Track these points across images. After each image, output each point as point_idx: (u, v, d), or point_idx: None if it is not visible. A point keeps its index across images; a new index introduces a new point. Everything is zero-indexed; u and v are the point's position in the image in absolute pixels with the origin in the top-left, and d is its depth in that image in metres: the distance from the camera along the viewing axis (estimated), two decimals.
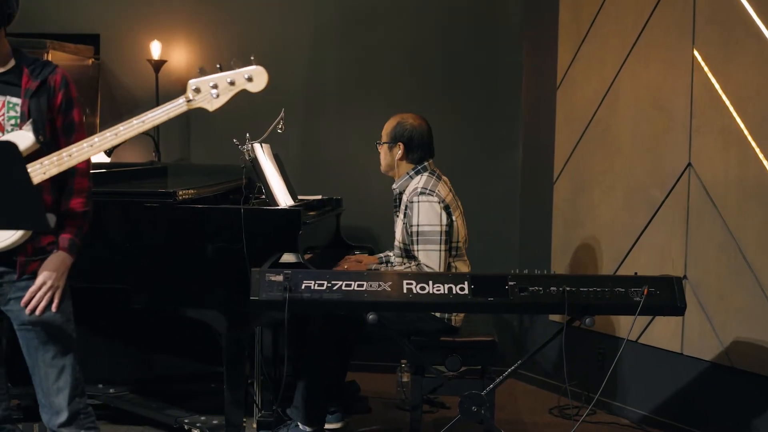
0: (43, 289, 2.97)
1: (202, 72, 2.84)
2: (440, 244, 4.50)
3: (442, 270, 4.49)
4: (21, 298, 2.98)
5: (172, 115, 2.88)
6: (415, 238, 4.53)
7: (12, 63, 3.06)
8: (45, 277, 2.98)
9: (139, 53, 6.72)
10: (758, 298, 4.59)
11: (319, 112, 6.65)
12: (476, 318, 4.91)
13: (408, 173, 4.74)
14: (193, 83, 2.84)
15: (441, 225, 4.51)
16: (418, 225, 4.52)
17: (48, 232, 2.96)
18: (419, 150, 4.73)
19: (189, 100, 2.83)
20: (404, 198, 4.66)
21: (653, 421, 5.25)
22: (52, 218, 2.94)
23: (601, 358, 5.60)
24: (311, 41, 6.66)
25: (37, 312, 2.97)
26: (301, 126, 6.55)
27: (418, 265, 4.50)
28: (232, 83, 2.81)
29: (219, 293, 4.28)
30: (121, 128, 2.86)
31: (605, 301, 3.87)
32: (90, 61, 6.66)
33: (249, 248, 4.21)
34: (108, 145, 2.86)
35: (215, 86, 2.81)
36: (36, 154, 2.91)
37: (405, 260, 4.62)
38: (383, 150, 4.80)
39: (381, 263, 4.86)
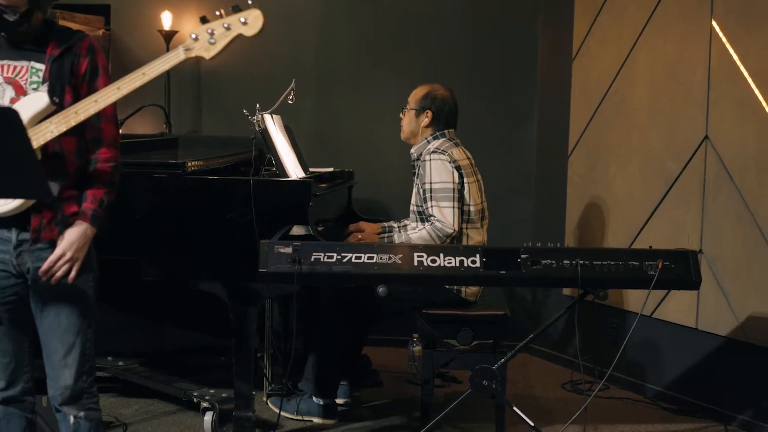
0: (62, 259, 2.92)
1: (203, 20, 2.80)
2: (453, 201, 4.52)
3: (456, 227, 4.49)
4: (38, 267, 2.95)
5: (171, 64, 2.82)
6: (428, 195, 4.54)
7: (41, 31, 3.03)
8: (64, 247, 2.93)
9: (149, 24, 6.67)
10: None
11: (332, 84, 6.60)
12: (489, 291, 4.88)
13: (427, 138, 4.76)
14: (193, 32, 2.80)
15: (453, 182, 4.53)
16: (430, 182, 4.54)
17: (52, 200, 2.91)
18: (445, 120, 4.78)
19: (187, 49, 2.79)
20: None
21: (667, 397, 5.21)
22: (54, 187, 2.89)
23: (615, 332, 5.56)
24: (324, 11, 6.59)
25: (53, 281, 2.93)
26: (313, 98, 6.50)
27: (432, 223, 4.47)
28: (228, 28, 2.76)
29: (228, 265, 4.26)
30: (123, 83, 2.82)
31: (619, 274, 3.85)
32: (101, 32, 6.61)
33: (259, 220, 4.18)
34: (111, 100, 2.83)
35: (212, 33, 2.76)
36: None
37: (419, 224, 4.59)
38: (409, 116, 4.81)
39: (383, 232, 4.80)
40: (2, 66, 2.97)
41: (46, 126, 2.83)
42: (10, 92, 2.95)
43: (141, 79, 2.81)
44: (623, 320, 5.51)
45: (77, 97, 2.98)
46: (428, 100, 4.77)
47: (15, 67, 2.97)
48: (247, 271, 4.06)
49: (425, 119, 4.76)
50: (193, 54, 2.79)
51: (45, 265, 2.92)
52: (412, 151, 4.83)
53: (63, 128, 2.82)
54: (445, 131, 4.77)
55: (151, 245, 4.33)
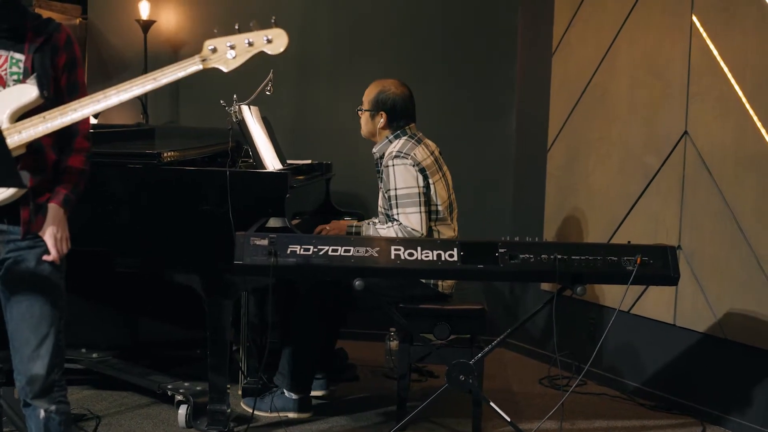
0: (57, 238, 2.97)
1: (220, 32, 2.78)
2: (419, 206, 4.46)
3: (423, 231, 4.46)
4: (19, 258, 2.95)
5: (185, 73, 2.82)
6: (393, 202, 4.49)
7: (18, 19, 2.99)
8: (53, 230, 2.96)
9: (127, 13, 6.61)
10: (753, 269, 4.52)
11: (311, 76, 6.55)
12: (467, 286, 4.85)
13: (387, 137, 4.70)
14: (209, 43, 2.78)
15: (418, 186, 4.47)
16: (395, 188, 4.48)
17: (24, 188, 2.88)
18: (401, 118, 4.69)
19: (204, 60, 2.77)
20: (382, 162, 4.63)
21: (644, 393, 5.20)
22: (25, 176, 2.87)
23: (592, 328, 5.55)
24: (304, 2, 6.55)
25: (56, 261, 2.98)
26: (292, 90, 6.46)
27: (400, 224, 4.44)
28: (250, 44, 2.76)
29: (203, 257, 4.23)
30: (135, 84, 2.81)
31: (597, 269, 3.83)
32: (77, 21, 6.57)
33: (235, 212, 4.16)
34: (114, 102, 2.82)
35: (233, 47, 2.76)
36: (38, 111, 2.85)
37: (388, 223, 4.56)
38: (364, 117, 4.76)
39: (350, 232, 4.73)
40: None
41: (38, 122, 2.81)
42: None
43: (153, 84, 2.82)
44: (601, 316, 5.49)
45: (57, 89, 2.98)
46: (380, 102, 4.68)
47: None
48: (223, 263, 4.03)
49: (380, 120, 4.68)
50: (209, 66, 2.81)
51: (52, 250, 2.96)
52: (374, 150, 4.77)
53: (58, 123, 2.83)
54: (405, 128, 4.68)
55: (126, 236, 4.30)
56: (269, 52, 2.78)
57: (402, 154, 4.51)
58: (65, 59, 3.01)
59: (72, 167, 3.05)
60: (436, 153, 4.72)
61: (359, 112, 4.79)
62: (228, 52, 2.75)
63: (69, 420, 3.11)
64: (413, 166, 4.49)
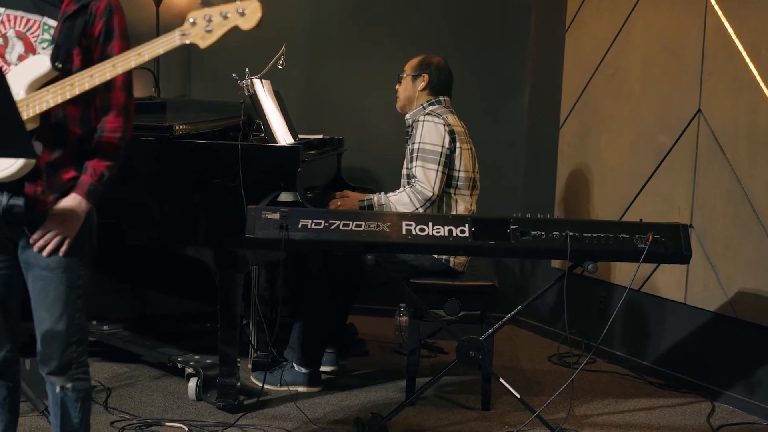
0: (53, 231, 2.85)
1: (204, 3, 2.68)
2: (439, 165, 4.50)
3: (436, 191, 4.48)
4: (30, 235, 2.87)
5: (166, 48, 2.66)
6: (415, 155, 4.54)
7: None
8: (56, 221, 2.85)
9: None
10: (765, 249, 4.50)
11: (323, 50, 6.54)
12: (479, 262, 4.85)
13: (422, 104, 4.76)
14: (191, 15, 2.62)
15: (443, 146, 4.53)
16: (420, 142, 4.54)
17: (36, 159, 2.81)
18: (441, 86, 4.79)
19: (183, 34, 2.63)
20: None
21: (653, 371, 5.20)
22: (38, 146, 2.81)
23: (603, 306, 5.54)
24: None
25: (45, 253, 2.86)
26: (304, 64, 6.44)
27: (412, 186, 4.45)
28: (225, 17, 2.58)
29: (214, 231, 4.23)
30: (119, 60, 2.72)
31: (609, 247, 3.83)
32: None
33: (246, 185, 4.15)
34: (107, 77, 2.70)
35: (210, 20, 2.60)
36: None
37: (400, 188, 4.61)
38: (405, 82, 4.83)
39: (362, 204, 4.71)
40: (15, 18, 2.86)
41: (43, 95, 2.71)
42: (19, 48, 2.85)
43: (137, 59, 2.67)
44: (611, 294, 5.49)
45: (88, 60, 2.86)
46: (424, 66, 4.78)
47: (27, 21, 2.85)
48: (234, 236, 4.03)
49: (422, 83, 4.76)
50: (188, 41, 2.61)
51: (36, 234, 2.84)
52: (407, 116, 4.82)
53: (59, 99, 2.71)
54: (441, 98, 4.77)
55: (137, 209, 4.30)
56: (243, 27, 2.59)
57: (435, 113, 4.61)
58: (101, 29, 2.88)
59: (102, 150, 2.93)
60: (465, 129, 4.76)
61: (399, 82, 4.86)
62: (206, 26, 2.60)
63: (88, 396, 3.07)
64: (444, 126, 4.56)
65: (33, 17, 2.87)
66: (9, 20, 2.87)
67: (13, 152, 2.68)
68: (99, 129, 2.95)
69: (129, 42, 2.94)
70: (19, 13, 2.87)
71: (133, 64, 2.70)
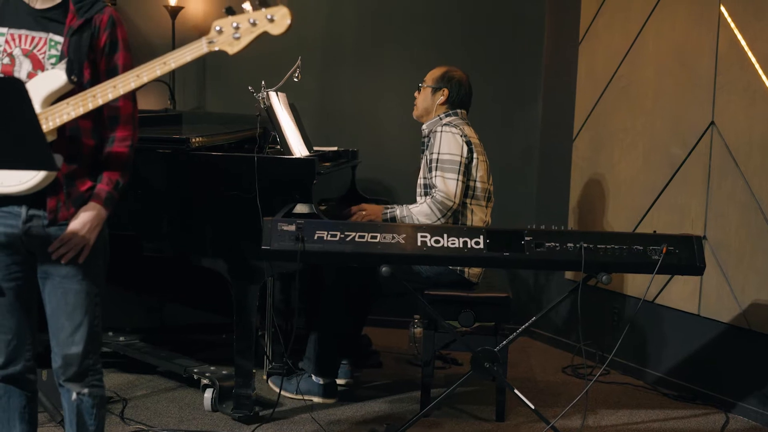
0: (73, 239, 2.89)
1: (229, 11, 2.69)
2: (458, 174, 4.55)
3: (457, 201, 4.52)
4: (48, 245, 2.90)
5: (193, 56, 2.71)
6: (434, 165, 4.57)
7: None
8: (75, 227, 2.89)
9: None
10: None
11: (338, 63, 6.56)
12: (492, 274, 4.87)
13: (440, 116, 4.80)
14: (217, 23, 2.68)
15: (461, 156, 4.57)
16: (438, 153, 4.58)
17: (56, 171, 2.85)
18: (459, 102, 4.83)
19: (210, 42, 2.68)
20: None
21: (668, 383, 5.20)
22: (59, 159, 2.85)
23: (617, 317, 5.55)
24: None
25: (63, 260, 2.90)
26: (319, 77, 6.47)
27: (433, 196, 4.48)
28: (253, 24, 2.65)
29: (230, 242, 4.25)
30: (144, 70, 2.75)
31: (623, 258, 3.82)
32: None
33: (262, 197, 4.18)
34: (131, 87, 2.74)
35: (237, 27, 2.66)
36: (73, 95, 2.80)
37: (420, 199, 4.63)
38: (425, 93, 4.86)
39: (385, 217, 4.73)
40: (20, 36, 2.89)
41: (63, 108, 2.76)
42: (27, 66, 2.88)
43: (162, 68, 2.71)
44: (625, 305, 5.49)
45: (96, 73, 2.91)
46: (445, 80, 4.82)
47: (33, 38, 2.89)
48: (250, 248, 4.05)
49: (441, 97, 4.80)
50: (215, 48, 2.66)
51: (56, 243, 2.89)
52: (424, 127, 4.86)
53: (81, 111, 2.75)
54: (458, 111, 4.81)
55: (154, 220, 4.32)
56: (273, 32, 2.65)
57: (452, 124, 4.66)
58: (105, 41, 2.93)
59: (115, 160, 2.99)
60: (480, 141, 4.79)
61: (418, 91, 4.89)
62: (234, 33, 2.65)
63: (103, 403, 3.11)
64: (461, 136, 4.60)
65: (38, 34, 2.90)
66: (14, 39, 2.90)
67: (35, 165, 2.72)
68: (110, 139, 3.01)
69: (132, 52, 3.00)
70: (23, 32, 2.91)
71: (158, 73, 2.74)
